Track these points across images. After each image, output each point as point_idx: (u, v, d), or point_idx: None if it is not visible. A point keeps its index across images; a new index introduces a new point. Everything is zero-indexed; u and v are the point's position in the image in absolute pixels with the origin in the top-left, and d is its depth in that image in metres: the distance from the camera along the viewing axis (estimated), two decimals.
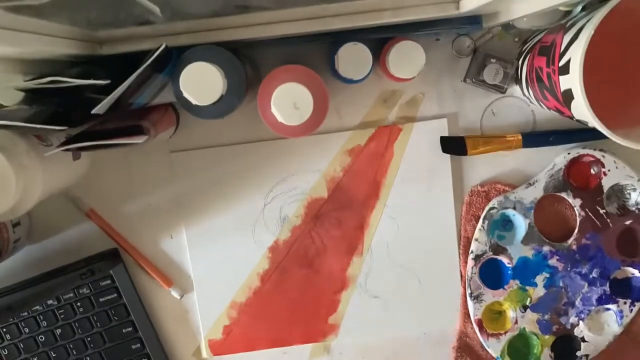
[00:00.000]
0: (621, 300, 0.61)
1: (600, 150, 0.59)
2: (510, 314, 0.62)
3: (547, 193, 0.60)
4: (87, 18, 0.43)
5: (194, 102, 0.45)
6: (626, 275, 0.62)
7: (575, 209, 0.61)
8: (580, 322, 0.62)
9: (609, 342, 0.62)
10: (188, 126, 0.60)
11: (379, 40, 0.54)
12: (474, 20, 0.55)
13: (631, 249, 0.61)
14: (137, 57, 0.43)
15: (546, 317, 0.62)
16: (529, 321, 0.62)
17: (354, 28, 0.49)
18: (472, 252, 0.61)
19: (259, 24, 0.48)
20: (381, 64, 0.54)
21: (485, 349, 0.63)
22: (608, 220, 0.61)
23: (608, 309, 0.62)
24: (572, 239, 0.61)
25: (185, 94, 0.45)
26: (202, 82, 0.45)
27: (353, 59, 0.51)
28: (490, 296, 0.62)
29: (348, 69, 0.52)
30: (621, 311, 0.61)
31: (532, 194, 0.60)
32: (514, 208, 0.60)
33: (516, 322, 0.62)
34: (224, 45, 0.47)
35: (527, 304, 0.62)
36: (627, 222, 0.61)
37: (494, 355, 0.62)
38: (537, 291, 0.62)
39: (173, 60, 0.46)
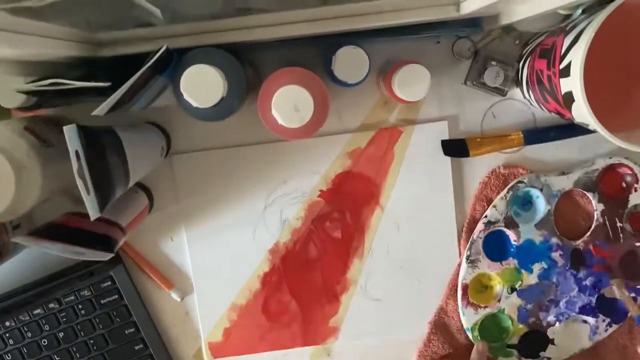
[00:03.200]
0: (601, 317, 0.62)
1: None
2: (497, 291, 0.62)
3: (576, 187, 0.60)
4: (87, 20, 0.43)
5: (194, 104, 0.45)
6: (614, 296, 0.62)
7: (595, 212, 0.61)
8: (557, 323, 0.62)
9: (573, 354, 0.62)
10: (188, 128, 0.60)
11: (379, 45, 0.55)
12: (474, 22, 0.55)
13: (631, 271, 0.61)
14: (138, 59, 0.43)
15: (528, 306, 0.62)
16: (511, 305, 0.62)
17: (354, 30, 0.49)
18: (485, 216, 0.61)
19: (260, 26, 0.48)
20: (387, 86, 0.54)
21: (459, 333, 0.63)
22: (621, 235, 0.61)
23: (585, 322, 0.62)
24: (581, 240, 0.61)
25: (186, 96, 0.45)
26: (202, 85, 0.45)
27: (350, 62, 0.51)
28: (485, 266, 0.62)
29: (345, 72, 0.52)
30: (597, 327, 0.62)
31: (562, 183, 0.60)
32: (541, 190, 0.60)
33: (499, 301, 0.62)
34: (224, 47, 0.47)
35: (517, 287, 0.62)
36: (638, 244, 0.61)
37: (466, 325, 0.62)
38: (530, 278, 0.62)
39: (174, 63, 0.46)
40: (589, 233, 0.61)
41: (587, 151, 0.62)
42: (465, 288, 0.62)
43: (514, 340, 0.62)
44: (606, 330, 0.62)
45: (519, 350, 0.62)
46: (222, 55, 0.47)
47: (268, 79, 0.48)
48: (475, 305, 0.62)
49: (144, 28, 0.46)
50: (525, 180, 0.60)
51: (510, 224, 0.61)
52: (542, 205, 0.61)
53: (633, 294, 0.61)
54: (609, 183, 0.61)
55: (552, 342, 0.62)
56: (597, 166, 0.60)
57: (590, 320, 0.62)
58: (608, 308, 0.62)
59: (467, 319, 0.62)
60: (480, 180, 0.62)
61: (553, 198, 0.61)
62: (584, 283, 0.61)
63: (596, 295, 0.61)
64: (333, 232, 0.62)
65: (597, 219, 0.61)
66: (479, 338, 0.62)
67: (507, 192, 0.60)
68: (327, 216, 0.62)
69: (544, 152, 0.62)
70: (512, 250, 0.61)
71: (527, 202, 0.61)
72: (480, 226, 0.61)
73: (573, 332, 0.62)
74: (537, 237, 0.61)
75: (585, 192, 0.61)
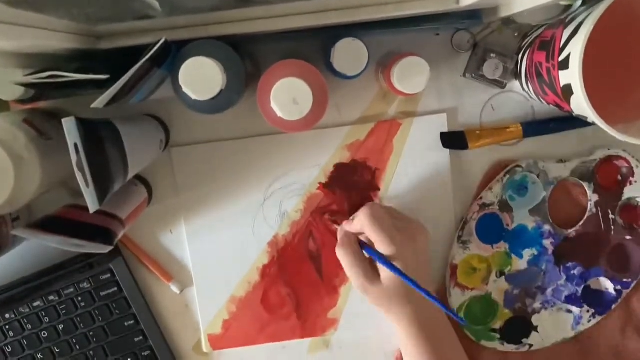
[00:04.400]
0: (585, 307, 0.62)
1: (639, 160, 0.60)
2: (486, 274, 0.62)
3: (572, 176, 0.61)
4: (85, 12, 0.42)
5: (193, 97, 0.45)
6: (600, 287, 0.62)
7: (589, 203, 0.61)
8: (542, 311, 0.62)
9: (555, 342, 0.63)
10: (187, 121, 0.60)
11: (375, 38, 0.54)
12: (473, 14, 0.55)
13: (619, 264, 0.61)
14: (137, 52, 0.43)
15: (515, 292, 0.62)
16: (498, 289, 0.62)
17: (354, 22, 0.49)
18: (480, 198, 0.61)
19: (259, 18, 0.48)
20: (386, 78, 0.54)
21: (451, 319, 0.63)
22: (612, 227, 0.61)
23: (570, 311, 0.62)
24: (573, 229, 0.61)
25: (185, 89, 0.45)
26: (201, 77, 0.45)
27: (349, 54, 0.51)
28: (476, 247, 0.62)
29: (344, 65, 0.52)
30: (580, 317, 0.62)
31: (559, 170, 0.61)
32: (538, 176, 0.60)
33: (487, 284, 0.62)
34: (223, 39, 0.47)
35: (506, 271, 0.62)
36: (627, 238, 0.61)
37: (452, 305, 0.62)
38: (520, 263, 0.62)
39: (172, 55, 0.46)
40: (581, 223, 0.61)
41: (586, 143, 0.62)
42: (454, 268, 0.62)
43: (498, 325, 0.63)
44: (589, 321, 0.62)
45: (502, 335, 0.63)
46: (221, 47, 0.47)
47: (267, 71, 0.48)
48: (463, 286, 0.62)
49: (143, 20, 0.46)
50: (523, 165, 0.60)
51: (505, 207, 0.61)
52: (537, 192, 0.61)
53: (619, 287, 0.61)
54: (605, 174, 0.61)
55: (535, 329, 0.62)
56: (595, 157, 0.60)
57: (575, 310, 0.62)
58: (593, 299, 0.62)
59: (454, 299, 0.62)
60: (487, 171, 0.62)
61: (549, 185, 0.61)
62: (571, 272, 0.62)
63: (583, 286, 0.62)
64: (332, 225, 0.62)
65: (591, 210, 0.61)
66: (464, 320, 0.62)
67: (504, 175, 0.61)
68: (327, 208, 0.62)
69: (543, 144, 0.62)
70: (504, 234, 0.62)
71: (523, 187, 0.61)
72: (474, 207, 0.61)
73: (557, 320, 0.63)
74: (530, 222, 0.61)
75: (581, 181, 0.61)
